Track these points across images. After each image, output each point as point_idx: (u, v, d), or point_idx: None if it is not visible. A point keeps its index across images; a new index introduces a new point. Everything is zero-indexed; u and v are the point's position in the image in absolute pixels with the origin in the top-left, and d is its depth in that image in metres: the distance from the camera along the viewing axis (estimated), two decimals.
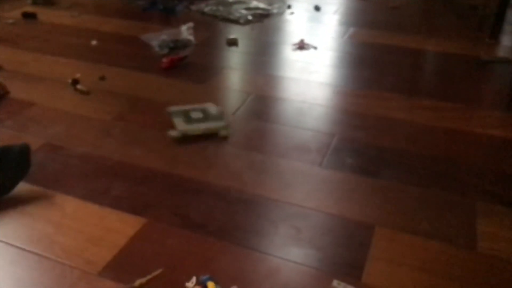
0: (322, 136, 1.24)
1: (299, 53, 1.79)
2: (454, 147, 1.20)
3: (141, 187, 1.03)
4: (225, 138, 1.21)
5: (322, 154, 1.16)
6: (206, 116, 1.26)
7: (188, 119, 1.24)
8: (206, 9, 2.22)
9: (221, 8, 2.22)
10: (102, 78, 1.52)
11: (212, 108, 1.30)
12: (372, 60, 1.75)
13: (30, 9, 2.17)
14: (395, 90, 1.51)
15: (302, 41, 1.84)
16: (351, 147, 1.19)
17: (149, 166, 1.10)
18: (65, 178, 1.05)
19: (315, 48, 1.82)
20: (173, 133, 1.20)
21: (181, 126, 1.21)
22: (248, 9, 2.21)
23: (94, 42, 1.80)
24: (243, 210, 0.97)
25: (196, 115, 1.26)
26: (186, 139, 1.20)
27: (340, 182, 1.06)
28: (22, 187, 1.01)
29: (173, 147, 1.17)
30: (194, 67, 1.64)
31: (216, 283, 0.78)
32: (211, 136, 1.21)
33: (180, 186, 1.04)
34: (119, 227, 0.91)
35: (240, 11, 2.18)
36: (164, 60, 1.61)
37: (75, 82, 1.46)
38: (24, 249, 0.85)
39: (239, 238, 0.89)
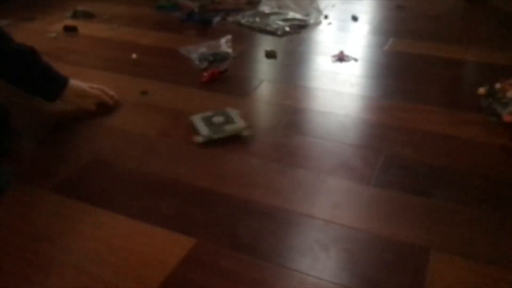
0: (368, 152, 1.21)
1: (339, 65, 1.76)
2: (507, 165, 1.16)
3: (188, 205, 1.03)
4: (247, 138, 1.24)
5: (371, 171, 1.13)
6: (228, 119, 1.29)
7: (210, 124, 1.27)
8: (243, 21, 2.22)
9: (257, 19, 2.21)
10: (144, 93, 1.53)
11: (231, 112, 1.33)
12: (414, 71, 1.71)
13: (70, 22, 2.21)
14: (440, 103, 1.47)
15: (341, 53, 1.82)
16: (400, 164, 1.16)
17: (195, 183, 1.10)
18: (114, 196, 1.06)
19: (356, 60, 1.80)
20: (198, 138, 1.24)
21: (204, 131, 1.25)
22: (285, 20, 2.19)
23: (134, 56, 1.82)
24: (292, 231, 0.95)
25: (217, 120, 1.29)
26: (220, 148, 1.19)
27: (391, 202, 1.03)
28: (72, 205, 1.02)
29: (216, 163, 1.17)
30: (234, 80, 1.63)
31: None
32: (241, 144, 1.21)
33: (227, 204, 1.03)
34: (170, 247, 0.90)
35: (277, 22, 2.17)
36: (205, 73, 1.61)
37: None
38: (78, 268, 0.86)
39: (290, 260, 0.88)
